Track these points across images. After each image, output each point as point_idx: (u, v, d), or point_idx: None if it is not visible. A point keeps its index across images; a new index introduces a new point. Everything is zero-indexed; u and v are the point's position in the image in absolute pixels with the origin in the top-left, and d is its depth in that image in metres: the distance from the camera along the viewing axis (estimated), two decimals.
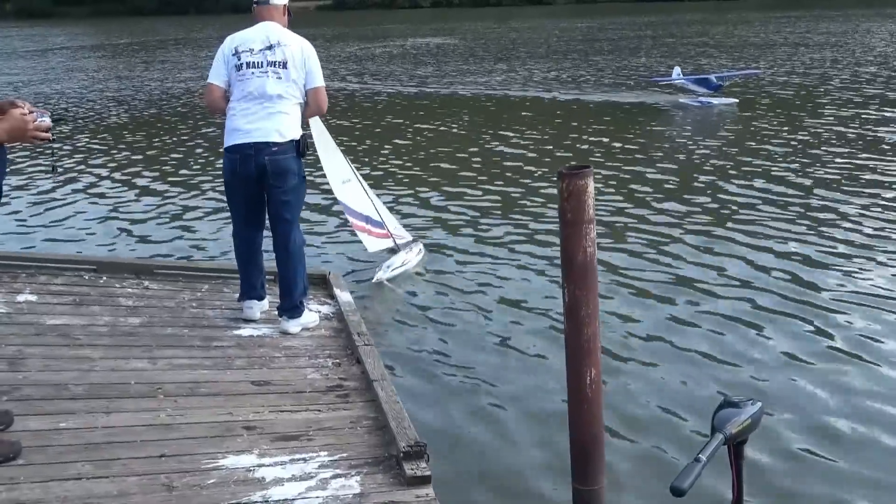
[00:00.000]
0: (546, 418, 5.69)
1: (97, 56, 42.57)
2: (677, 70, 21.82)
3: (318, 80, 5.66)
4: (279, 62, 5.54)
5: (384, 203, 9.79)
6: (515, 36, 49.71)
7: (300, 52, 5.60)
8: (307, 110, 5.77)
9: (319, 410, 4.66)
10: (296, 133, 5.58)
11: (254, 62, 5.55)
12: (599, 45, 40.17)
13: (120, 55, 42.90)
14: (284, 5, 5.83)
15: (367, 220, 9.04)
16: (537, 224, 10.51)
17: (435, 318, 7.63)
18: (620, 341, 6.92)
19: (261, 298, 6.01)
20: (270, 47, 5.56)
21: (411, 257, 9.11)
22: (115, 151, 16.52)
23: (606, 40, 43.71)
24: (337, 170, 8.84)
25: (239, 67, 5.57)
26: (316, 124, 8.20)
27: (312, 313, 6.03)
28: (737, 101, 20.41)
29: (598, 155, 14.95)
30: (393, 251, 9.10)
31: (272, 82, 5.53)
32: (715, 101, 20.17)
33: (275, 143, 5.49)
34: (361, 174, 9.58)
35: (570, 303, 3.83)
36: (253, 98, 5.53)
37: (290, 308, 5.78)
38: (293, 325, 5.79)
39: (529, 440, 5.52)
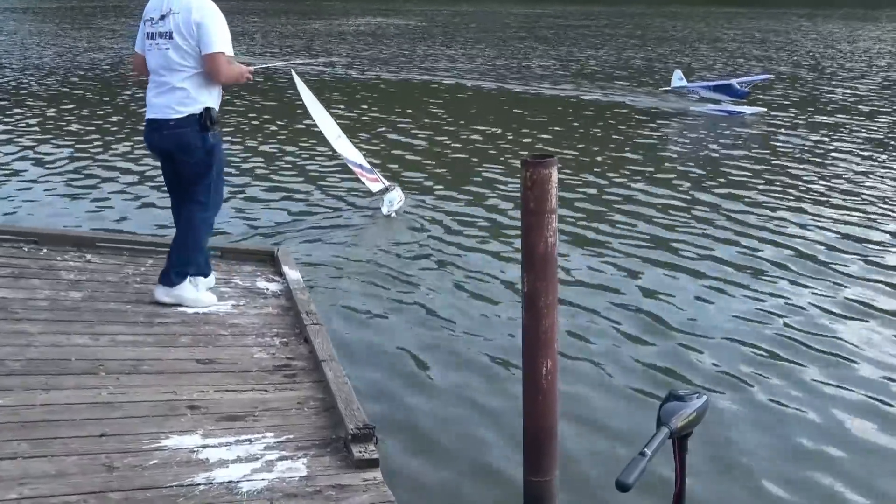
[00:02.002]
0: (500, 406, 5.68)
1: (28, 20, 41.37)
2: (678, 74, 19.71)
3: (211, 46, 5.25)
4: (166, 33, 5.30)
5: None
6: (463, 20, 49.37)
7: (188, 17, 5.24)
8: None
9: (266, 390, 4.57)
10: (194, 107, 5.31)
11: (152, 33, 5.38)
12: (548, 34, 40.10)
13: (51, 19, 41.79)
14: None
15: (361, 167, 10.51)
16: (497, 213, 10.47)
17: (388, 299, 7.60)
18: (576, 333, 6.91)
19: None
20: (163, 17, 5.32)
21: (401, 195, 10.48)
22: (54, 121, 16.11)
23: (560, 28, 43.73)
24: (330, 127, 10.49)
25: (146, 37, 5.43)
26: (302, 89, 10.12)
27: (205, 294, 5.70)
28: (765, 109, 18.51)
29: (564, 147, 14.93)
30: (385, 191, 10.40)
31: (161, 55, 5.33)
32: (745, 109, 18.03)
33: (171, 119, 5.33)
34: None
35: (529, 292, 3.78)
36: (153, 71, 5.41)
37: (164, 274, 5.58)
38: (161, 293, 5.54)
39: (482, 427, 5.50)
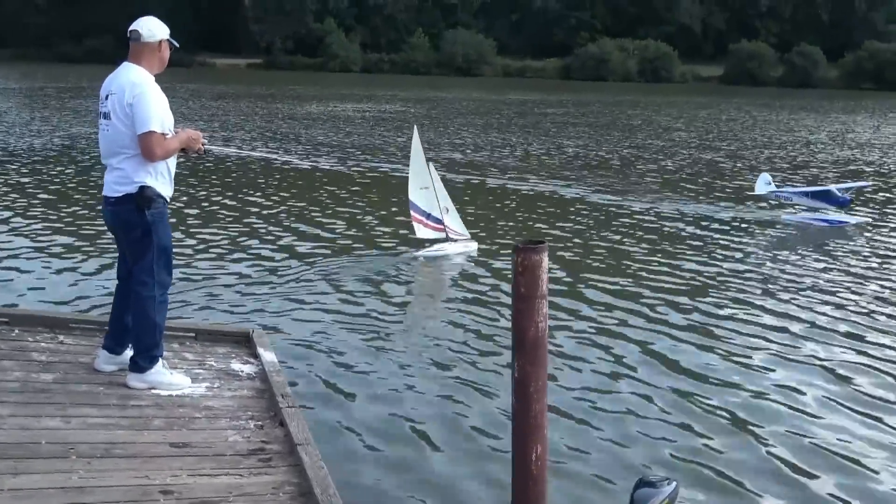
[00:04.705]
0: (488, 491, 5.62)
1: (18, 100, 41.47)
2: (765, 178, 16.94)
3: (144, 125, 5.22)
4: (105, 113, 5.38)
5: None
6: (435, 107, 49.94)
7: (122, 99, 5.26)
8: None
9: (241, 475, 4.50)
10: (131, 187, 5.33)
11: (99, 112, 5.49)
12: (534, 122, 40.58)
13: (45, 100, 41.93)
14: (159, 42, 5.45)
15: (428, 216, 12.29)
16: (491, 295, 10.49)
17: (365, 379, 7.56)
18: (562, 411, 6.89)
19: (111, 351, 5.75)
20: (107, 96, 5.38)
21: (452, 247, 12.41)
22: (24, 202, 15.97)
23: (541, 116, 44.29)
24: (418, 178, 12.24)
25: (98, 116, 5.54)
26: (415, 135, 12.25)
27: (178, 377, 5.64)
28: (868, 219, 16.48)
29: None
30: (438, 241, 12.38)
31: (104, 136, 5.44)
32: (848, 219, 15.97)
33: (112, 198, 5.42)
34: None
35: (520, 377, 3.79)
36: (101, 150, 5.52)
37: (132, 360, 5.55)
38: (133, 380, 5.50)
39: None
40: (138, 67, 5.39)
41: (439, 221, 12.37)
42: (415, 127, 12.85)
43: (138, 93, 5.26)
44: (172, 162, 5.54)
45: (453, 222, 12.54)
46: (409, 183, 12.38)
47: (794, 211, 16.59)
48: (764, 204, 17.22)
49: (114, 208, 5.44)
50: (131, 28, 5.43)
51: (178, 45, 5.64)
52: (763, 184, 16.68)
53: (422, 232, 12.32)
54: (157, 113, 5.29)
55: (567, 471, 5.94)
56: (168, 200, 5.55)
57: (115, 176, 5.38)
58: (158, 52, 5.48)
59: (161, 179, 5.44)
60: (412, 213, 12.29)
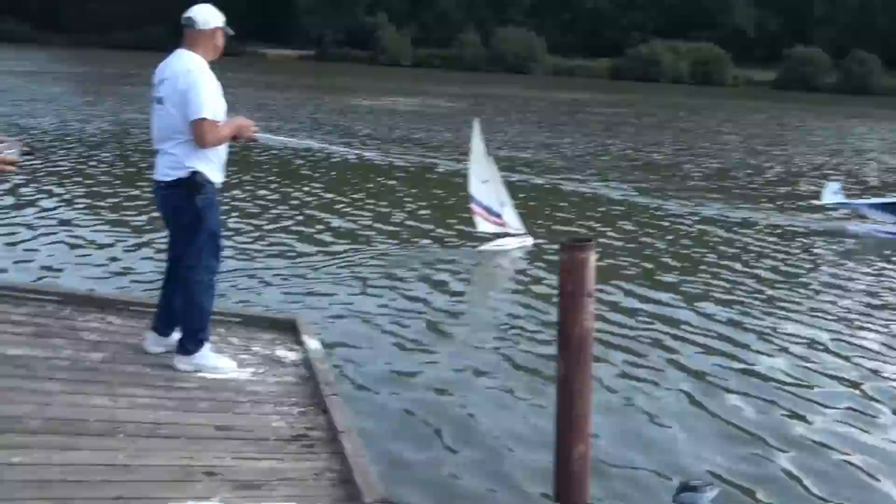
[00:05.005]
0: (528, 483, 5.64)
1: (72, 84, 42.12)
2: (833, 187, 16.05)
3: (196, 112, 5.25)
4: (160, 98, 5.41)
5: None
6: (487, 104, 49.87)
7: (176, 84, 5.31)
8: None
9: (283, 460, 4.54)
10: (182, 171, 5.37)
11: (153, 97, 5.50)
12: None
13: (99, 84, 42.53)
14: (214, 29, 5.47)
15: (489, 210, 12.41)
16: (518, 294, 10.49)
17: (409, 369, 7.61)
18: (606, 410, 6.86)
19: (160, 333, 5.81)
20: (161, 82, 5.41)
21: (513, 242, 12.52)
22: (84, 182, 16.29)
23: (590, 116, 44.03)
24: (479, 171, 12.40)
25: (152, 101, 5.55)
26: (476, 128, 12.32)
27: (224, 361, 5.72)
28: None
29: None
30: (498, 235, 12.46)
31: (158, 120, 5.46)
32: None
33: (164, 183, 5.45)
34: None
35: (564, 375, 3.79)
36: (154, 134, 5.54)
37: (180, 343, 5.63)
38: (180, 362, 5.57)
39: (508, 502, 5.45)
40: (193, 54, 5.42)
41: (499, 216, 12.48)
42: (475, 120, 12.85)
43: (192, 80, 5.29)
44: (224, 149, 5.57)
45: (510, 217, 12.65)
46: (469, 176, 12.50)
47: (860, 220, 15.93)
48: (822, 213, 16.77)
49: (165, 192, 5.49)
50: (186, 15, 5.46)
51: (232, 32, 5.68)
52: (831, 193, 15.94)
53: (482, 225, 12.44)
54: (210, 100, 5.32)
55: (609, 469, 5.92)
56: (218, 186, 5.59)
57: (167, 160, 5.43)
58: (213, 40, 5.49)
59: (211, 165, 5.47)
60: (472, 206, 12.43)
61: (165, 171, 5.44)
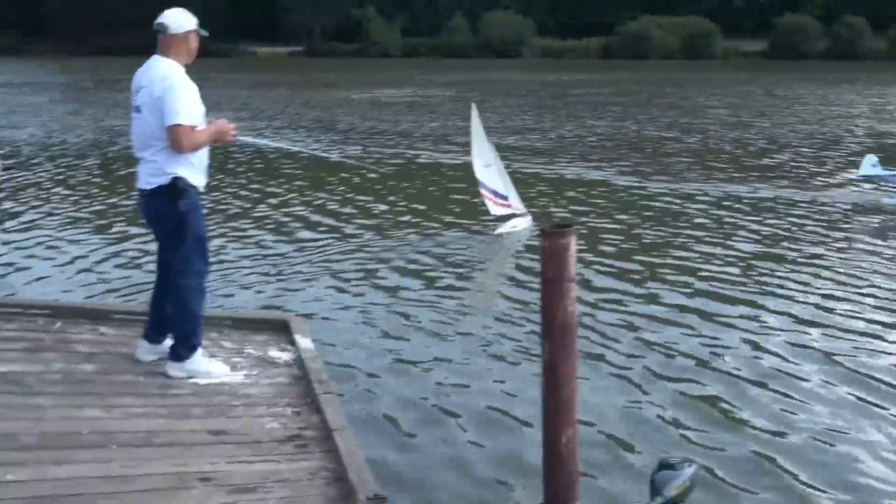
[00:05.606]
0: (518, 477, 5.66)
1: (53, 94, 42.00)
2: (871, 159, 15.51)
3: (171, 118, 5.25)
4: (138, 106, 5.43)
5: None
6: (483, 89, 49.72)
7: (153, 92, 5.32)
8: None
9: (278, 461, 4.56)
10: (163, 178, 5.38)
11: (132, 106, 5.52)
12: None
13: (81, 94, 42.45)
14: (187, 33, 5.48)
15: (495, 193, 12.73)
16: (511, 283, 10.49)
17: (401, 366, 7.60)
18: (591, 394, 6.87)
19: (151, 341, 5.82)
20: (139, 90, 5.43)
21: (522, 222, 12.83)
22: (69, 193, 16.26)
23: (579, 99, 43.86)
24: (481, 156, 12.68)
25: (131, 109, 5.58)
26: (474, 113, 12.64)
27: (215, 364, 5.72)
28: None
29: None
30: (508, 217, 12.80)
31: (136, 128, 5.49)
32: None
33: (146, 190, 5.48)
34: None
35: (549, 361, 3.80)
36: (133, 142, 5.56)
37: (172, 349, 5.63)
38: (172, 368, 5.58)
39: (499, 495, 5.45)
40: (168, 60, 5.43)
41: (506, 198, 12.82)
42: (473, 105, 13.12)
43: (167, 86, 5.30)
44: (204, 152, 5.58)
45: (513, 198, 12.95)
46: (473, 161, 12.78)
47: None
48: (799, 186, 16.66)
49: (147, 200, 5.51)
50: (158, 21, 5.47)
51: (206, 34, 5.67)
52: (869, 165, 15.32)
53: (494, 209, 12.75)
54: (186, 105, 5.32)
55: (594, 452, 5.93)
56: (201, 190, 5.60)
57: (148, 168, 5.45)
58: (187, 44, 5.50)
59: (193, 170, 5.48)
60: (481, 191, 12.74)
61: (147, 178, 5.46)
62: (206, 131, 5.50)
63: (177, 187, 5.40)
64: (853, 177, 16.32)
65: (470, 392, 7.08)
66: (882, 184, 15.62)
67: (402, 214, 14.25)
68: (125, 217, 13.63)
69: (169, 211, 5.45)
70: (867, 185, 16.11)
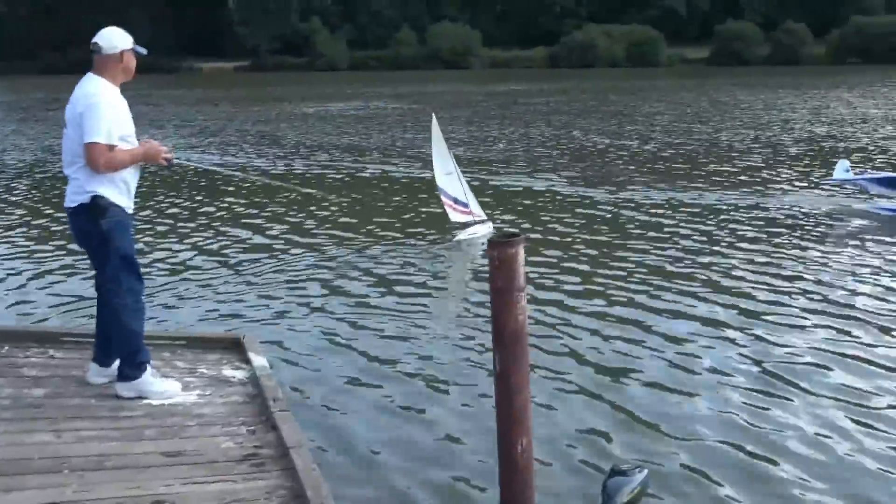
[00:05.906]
0: (477, 489, 5.65)
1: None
2: (844, 164, 15.45)
3: (88, 135, 5.22)
4: (64, 123, 5.44)
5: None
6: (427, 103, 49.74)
7: (76, 108, 5.33)
8: None
9: (234, 481, 4.53)
10: (83, 196, 5.35)
11: (63, 123, 5.50)
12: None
13: (26, 112, 41.77)
14: (121, 52, 5.45)
15: (455, 200, 12.98)
16: (466, 292, 10.52)
17: (357, 380, 7.55)
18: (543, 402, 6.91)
19: (100, 364, 5.75)
20: (68, 106, 5.44)
21: (482, 229, 12.91)
22: (4, 214, 15.97)
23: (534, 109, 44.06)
24: (442, 165, 12.94)
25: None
26: (434, 122, 13.08)
27: (166, 383, 5.67)
28: None
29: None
30: (468, 224, 12.99)
31: (63, 145, 5.48)
32: None
33: (70, 208, 5.47)
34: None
35: (501, 370, 3.83)
36: (63, 160, 5.54)
37: (119, 370, 5.57)
38: (122, 389, 5.52)
39: None
40: (98, 78, 5.42)
41: (465, 205, 13.05)
42: (433, 115, 13.53)
43: (90, 103, 5.28)
44: (130, 173, 5.49)
45: (475, 205, 13.18)
46: (434, 169, 13.05)
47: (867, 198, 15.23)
48: (738, 191, 16.90)
49: (72, 219, 5.50)
50: (93, 41, 5.45)
51: (145, 51, 5.65)
52: (842, 171, 15.31)
53: (453, 216, 12.96)
54: (105, 123, 5.27)
55: (549, 461, 5.94)
56: (129, 211, 5.53)
57: (73, 186, 5.42)
58: (121, 63, 5.47)
59: (116, 189, 5.41)
60: (442, 198, 12.99)
61: (71, 196, 5.44)
62: (129, 151, 5.44)
63: (98, 206, 5.35)
64: (827, 182, 16.55)
65: (429, 403, 7.06)
66: (853, 188, 15.80)
67: (356, 227, 14.17)
68: (69, 238, 13.39)
69: (92, 229, 5.41)
70: (823, 190, 16.56)
